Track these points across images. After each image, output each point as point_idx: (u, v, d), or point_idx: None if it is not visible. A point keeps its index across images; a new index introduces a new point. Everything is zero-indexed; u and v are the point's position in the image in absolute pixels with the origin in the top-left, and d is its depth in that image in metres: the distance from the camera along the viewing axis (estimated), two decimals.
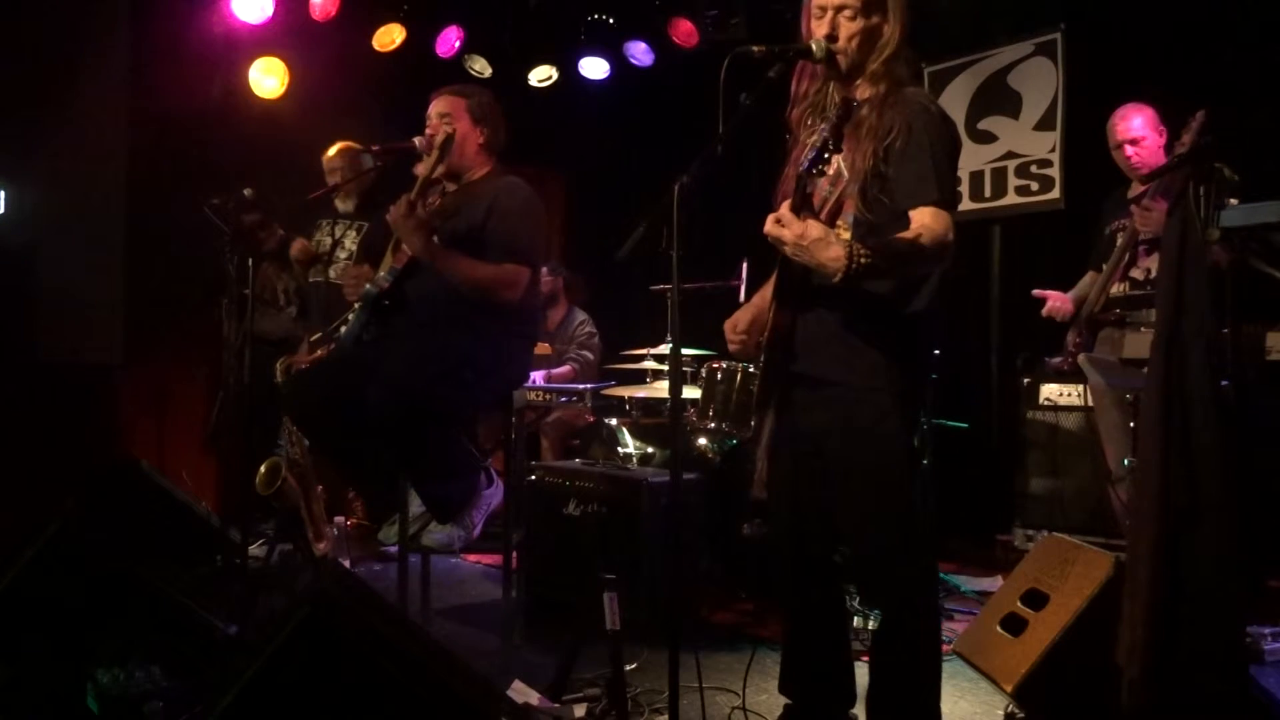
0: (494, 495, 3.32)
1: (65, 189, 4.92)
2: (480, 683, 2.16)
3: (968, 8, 5.03)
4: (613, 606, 2.45)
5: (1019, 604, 2.58)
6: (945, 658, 2.85)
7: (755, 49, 2.14)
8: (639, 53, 5.98)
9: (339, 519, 4.31)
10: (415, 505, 3.36)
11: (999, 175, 5.03)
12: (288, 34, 5.26)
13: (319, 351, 3.74)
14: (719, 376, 3.99)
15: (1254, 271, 2.36)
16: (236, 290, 3.47)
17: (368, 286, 3.29)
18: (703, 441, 3.99)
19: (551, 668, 2.65)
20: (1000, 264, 5.08)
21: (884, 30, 2.18)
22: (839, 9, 2.16)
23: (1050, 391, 4.15)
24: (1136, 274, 3.75)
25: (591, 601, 2.49)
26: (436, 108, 3.33)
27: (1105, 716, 2.22)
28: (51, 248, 4.88)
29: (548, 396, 4.60)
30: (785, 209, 2.01)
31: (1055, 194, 4.81)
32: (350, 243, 4.44)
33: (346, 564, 4.01)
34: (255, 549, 3.94)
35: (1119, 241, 3.83)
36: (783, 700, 2.45)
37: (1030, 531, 4.10)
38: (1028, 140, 4.93)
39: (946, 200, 2.10)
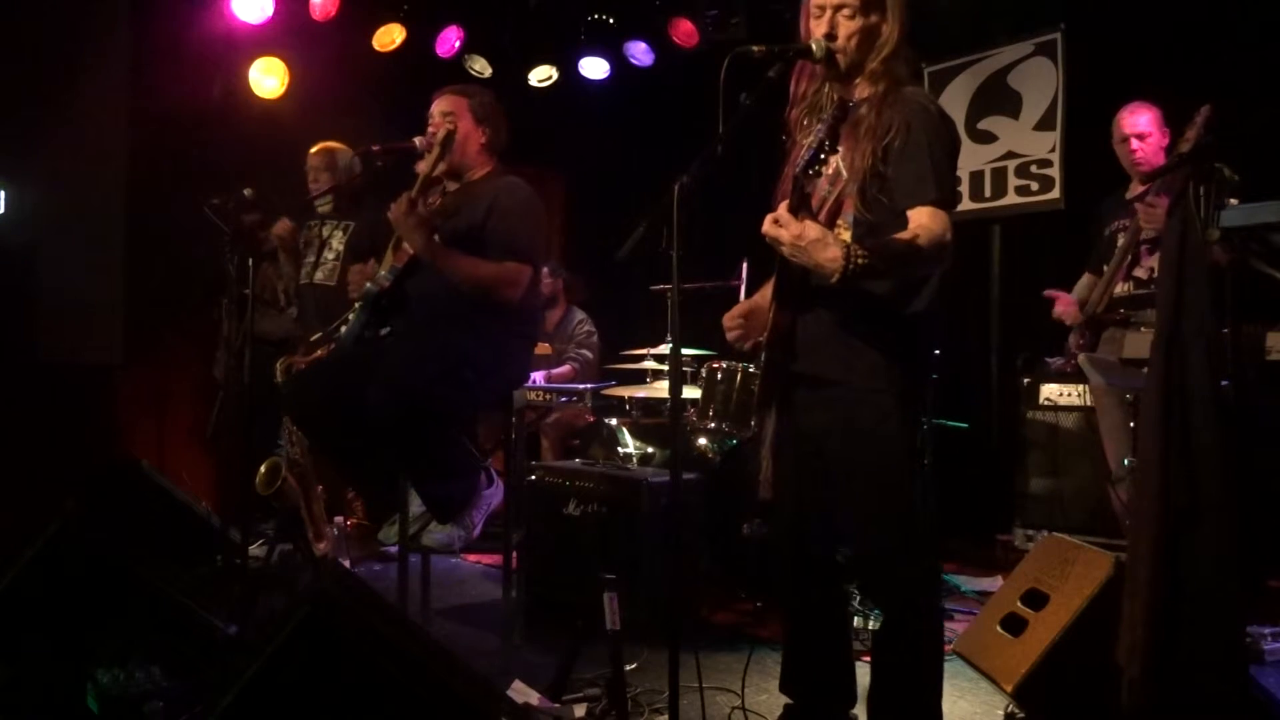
0: (494, 495, 3.32)
1: (65, 189, 4.92)
2: (480, 683, 2.16)
3: (968, 8, 5.03)
4: (613, 606, 2.45)
5: (1019, 604, 2.58)
6: (946, 658, 2.86)
7: (755, 49, 2.14)
8: (639, 53, 5.99)
9: (339, 519, 4.31)
10: (415, 505, 3.35)
11: (999, 175, 5.03)
12: (288, 34, 5.26)
13: (319, 351, 3.74)
14: (719, 376, 3.99)
15: (1254, 271, 2.35)
16: (236, 290, 3.47)
17: (368, 285, 3.29)
18: (703, 441, 3.99)
19: (551, 668, 2.65)
20: (1000, 264, 5.08)
21: (883, 30, 2.18)
22: (838, 8, 2.16)
23: (1050, 391, 4.15)
24: (1140, 273, 3.75)
25: (591, 601, 2.49)
26: (439, 106, 3.33)
27: (1105, 716, 2.21)
28: (51, 248, 4.88)
29: (548, 396, 4.60)
30: (783, 209, 2.01)
31: (1055, 194, 4.81)
32: (337, 243, 4.43)
33: (346, 564, 4.01)
34: (255, 549, 3.94)
35: (1120, 241, 3.83)
36: (783, 700, 2.45)
37: (1030, 531, 4.10)
38: (1028, 140, 4.93)
39: (945, 199, 2.10)
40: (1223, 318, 2.29)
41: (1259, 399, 3.00)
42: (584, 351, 5.46)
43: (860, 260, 1.95)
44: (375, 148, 3.36)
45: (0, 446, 4.39)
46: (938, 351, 2.47)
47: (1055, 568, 2.58)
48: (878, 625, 2.34)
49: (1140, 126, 3.82)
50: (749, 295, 3.16)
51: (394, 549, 3.60)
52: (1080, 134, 4.64)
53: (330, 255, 4.42)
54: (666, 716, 2.23)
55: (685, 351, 4.37)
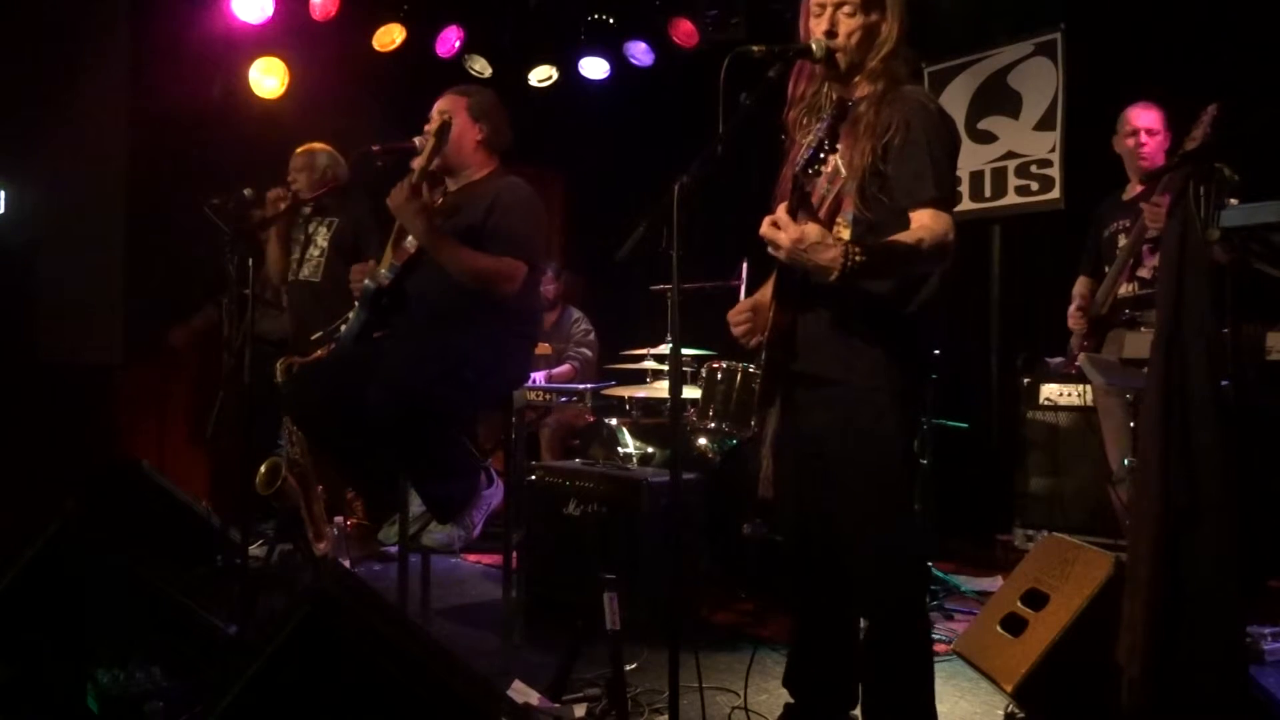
0: (494, 495, 3.32)
1: (65, 189, 4.92)
2: (480, 683, 2.16)
3: (968, 8, 5.04)
4: (613, 606, 2.45)
5: (1019, 604, 2.58)
6: (945, 658, 2.87)
7: (755, 49, 2.14)
8: (639, 53, 5.99)
9: (339, 519, 4.31)
10: (415, 505, 3.36)
11: (999, 175, 5.04)
12: (288, 34, 5.26)
13: (319, 351, 3.74)
14: (719, 376, 3.99)
15: (1254, 271, 2.35)
16: (236, 290, 3.47)
17: (367, 282, 3.29)
18: (703, 441, 4.00)
19: (551, 668, 2.65)
20: (1000, 264, 5.08)
21: (882, 28, 2.18)
22: (838, 5, 2.16)
23: (1050, 391, 4.15)
24: (1143, 273, 3.74)
25: (591, 601, 2.49)
26: (437, 105, 3.34)
27: (1105, 716, 2.22)
28: (51, 248, 4.88)
29: (548, 396, 4.60)
30: (782, 211, 2.00)
31: (1055, 194, 4.81)
32: (322, 239, 4.44)
33: (346, 564, 4.01)
34: (255, 549, 3.94)
35: (1122, 242, 3.82)
36: (783, 700, 2.45)
37: (1030, 531, 4.10)
38: (1028, 140, 4.93)
39: (944, 198, 2.09)
40: (1223, 318, 2.28)
41: (1259, 399, 3.00)
42: (583, 350, 5.46)
43: (857, 259, 1.95)
44: (375, 148, 3.35)
45: (0, 446, 4.39)
46: (937, 351, 2.47)
47: (1055, 568, 2.58)
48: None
49: (1150, 122, 3.82)
50: (749, 295, 3.16)
51: (394, 549, 3.60)
52: (1080, 134, 4.64)
53: (315, 252, 4.43)
54: (666, 716, 2.23)
55: (685, 351, 4.37)
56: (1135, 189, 3.92)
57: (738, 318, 2.37)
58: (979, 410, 4.78)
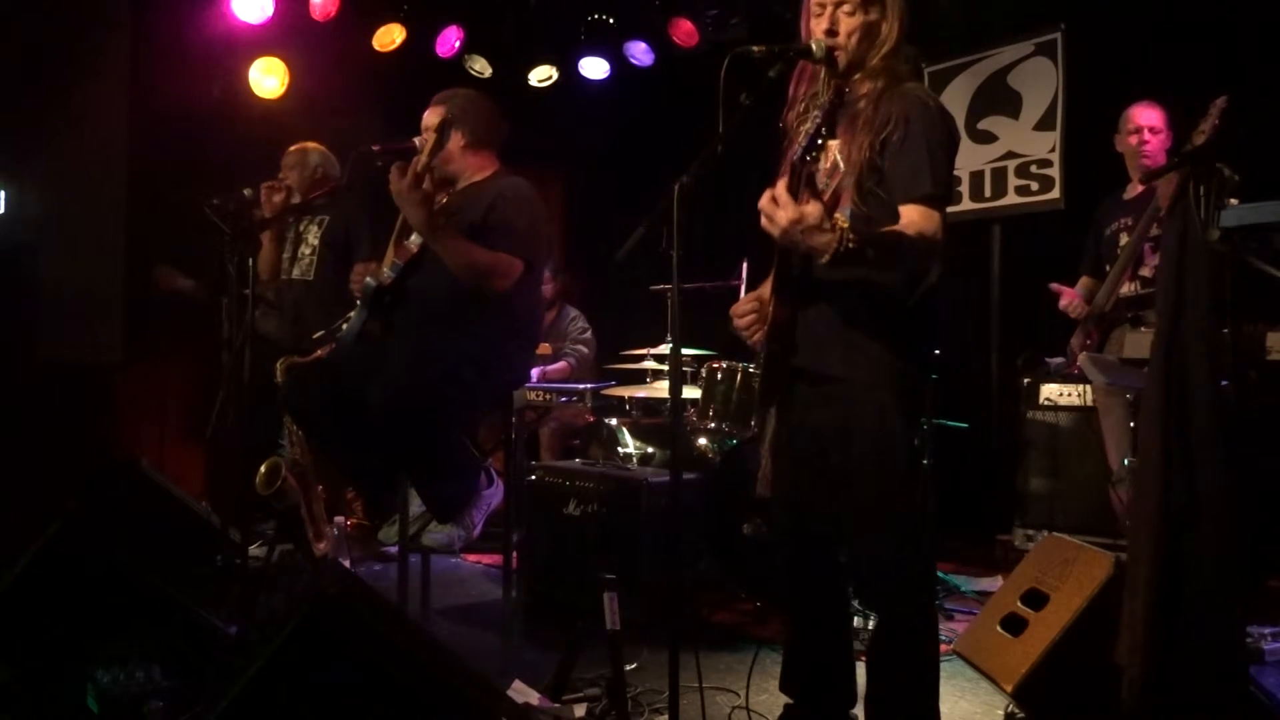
0: (494, 495, 3.32)
1: (65, 189, 4.92)
2: (480, 683, 2.16)
3: (968, 8, 5.03)
4: (613, 606, 2.45)
5: (1019, 604, 2.58)
6: (945, 658, 2.86)
7: (755, 49, 2.14)
8: (639, 53, 5.98)
9: (339, 519, 4.31)
10: (415, 505, 3.36)
11: (999, 175, 5.03)
12: (288, 34, 5.26)
13: (319, 351, 3.74)
14: (719, 376, 3.99)
15: (1254, 271, 2.35)
16: (236, 290, 3.47)
17: (368, 280, 3.29)
18: (703, 441, 3.99)
19: (551, 668, 2.65)
20: (1000, 264, 5.08)
21: (882, 27, 2.18)
22: (838, 4, 2.16)
23: (1050, 391, 4.15)
24: (1145, 272, 3.74)
25: (591, 601, 2.49)
26: (424, 120, 3.33)
27: (1105, 716, 2.21)
28: (51, 247, 4.88)
29: (548, 396, 4.60)
30: (781, 188, 1.93)
31: (1055, 194, 4.81)
32: (313, 237, 4.44)
33: (346, 564, 4.00)
34: (255, 549, 3.94)
35: (1123, 241, 3.82)
36: (783, 700, 2.45)
37: (1030, 531, 4.10)
38: (1028, 140, 4.93)
39: (939, 195, 2.09)
40: (1223, 318, 2.28)
41: (1259, 399, 3.00)
42: (578, 348, 5.46)
43: (851, 243, 1.92)
44: (375, 147, 3.35)
45: (0, 446, 4.39)
46: (938, 351, 2.46)
47: (1055, 568, 2.58)
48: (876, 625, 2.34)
49: (1153, 120, 3.82)
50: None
51: (394, 549, 3.60)
52: (1080, 134, 4.64)
53: (306, 250, 4.44)
54: (666, 716, 2.23)
55: (685, 351, 4.37)
56: (1137, 188, 3.92)
57: (744, 308, 2.35)
58: (979, 410, 4.78)
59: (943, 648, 2.96)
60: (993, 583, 3.91)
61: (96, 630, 2.47)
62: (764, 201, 1.95)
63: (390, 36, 5.56)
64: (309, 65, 5.38)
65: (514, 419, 3.44)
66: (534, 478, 3.74)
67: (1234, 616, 2.07)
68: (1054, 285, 4.04)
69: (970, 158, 5.05)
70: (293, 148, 4.52)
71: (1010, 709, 2.55)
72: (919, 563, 2.26)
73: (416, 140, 3.31)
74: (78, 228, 4.96)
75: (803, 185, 1.92)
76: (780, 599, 3.23)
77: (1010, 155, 5.00)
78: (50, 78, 4.83)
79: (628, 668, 2.69)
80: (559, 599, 3.49)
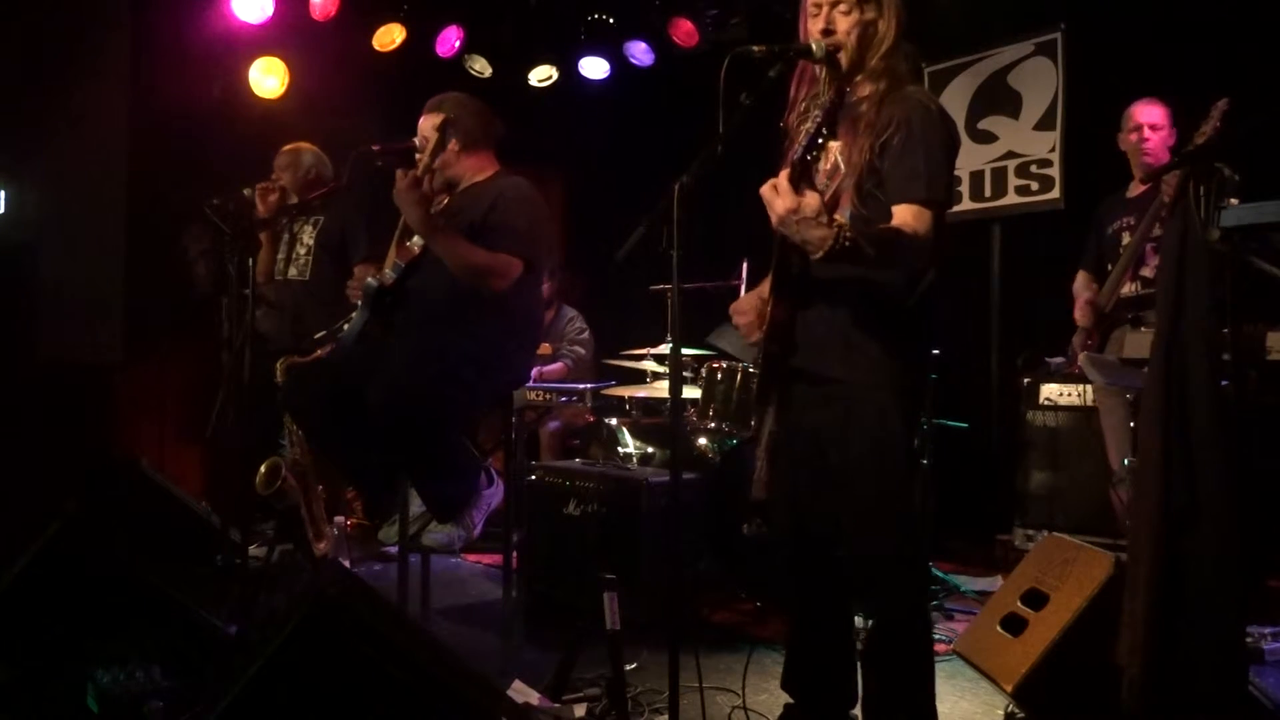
0: (494, 495, 3.32)
1: (65, 189, 4.92)
2: (480, 683, 2.16)
3: (968, 8, 5.03)
4: (613, 606, 2.45)
5: (1019, 604, 2.58)
6: (945, 658, 2.87)
7: (755, 49, 2.13)
8: (639, 53, 5.98)
9: (339, 519, 4.31)
10: (415, 505, 3.36)
11: (999, 175, 5.03)
12: (288, 34, 5.26)
13: (319, 351, 3.74)
14: (719, 376, 3.99)
15: (1254, 271, 2.35)
16: (236, 290, 3.47)
17: (369, 280, 3.29)
18: (703, 441, 3.99)
19: (551, 668, 2.65)
20: (1000, 264, 5.08)
21: (879, 26, 2.18)
22: (834, 3, 2.16)
23: (1050, 391, 4.15)
24: (1147, 272, 3.74)
25: (591, 601, 2.49)
26: (419, 128, 3.32)
27: (1105, 716, 2.22)
28: (51, 247, 4.88)
29: (548, 396, 4.60)
30: (783, 178, 1.94)
31: (1055, 194, 4.81)
32: (308, 238, 4.44)
33: (346, 564, 4.00)
34: (255, 549, 3.94)
35: (1125, 240, 3.82)
36: (783, 700, 2.45)
37: (1030, 531, 4.10)
38: (1028, 140, 4.93)
39: (935, 199, 2.09)
40: (1223, 318, 2.28)
41: (1259, 399, 3.00)
42: (576, 348, 5.45)
43: (846, 241, 1.93)
44: (375, 147, 3.35)
45: (0, 446, 4.39)
46: (937, 351, 2.46)
47: (1055, 568, 2.58)
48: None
49: (1154, 117, 3.81)
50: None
51: (394, 549, 3.60)
52: (1080, 134, 4.64)
53: (302, 250, 4.43)
54: (666, 716, 2.23)
55: (685, 351, 4.37)
56: (1139, 187, 3.91)
57: (745, 305, 2.36)
58: (979, 410, 4.78)
59: (943, 648, 2.97)
60: (993, 583, 3.91)
61: (96, 630, 2.47)
62: (765, 189, 1.96)
63: (390, 36, 5.56)
64: (309, 65, 5.38)
65: (514, 419, 3.44)
66: (534, 478, 3.74)
67: (1234, 616, 2.07)
68: (1083, 298, 3.95)
69: (970, 158, 5.05)
70: (285, 148, 4.52)
71: (1010, 709, 2.55)
72: (915, 563, 2.27)
73: (416, 140, 3.31)
74: (78, 228, 4.96)
75: (802, 179, 1.92)
76: (781, 599, 3.23)
77: (1010, 155, 5.00)
78: (50, 78, 4.83)
79: (628, 668, 2.69)
80: (559, 599, 3.49)
